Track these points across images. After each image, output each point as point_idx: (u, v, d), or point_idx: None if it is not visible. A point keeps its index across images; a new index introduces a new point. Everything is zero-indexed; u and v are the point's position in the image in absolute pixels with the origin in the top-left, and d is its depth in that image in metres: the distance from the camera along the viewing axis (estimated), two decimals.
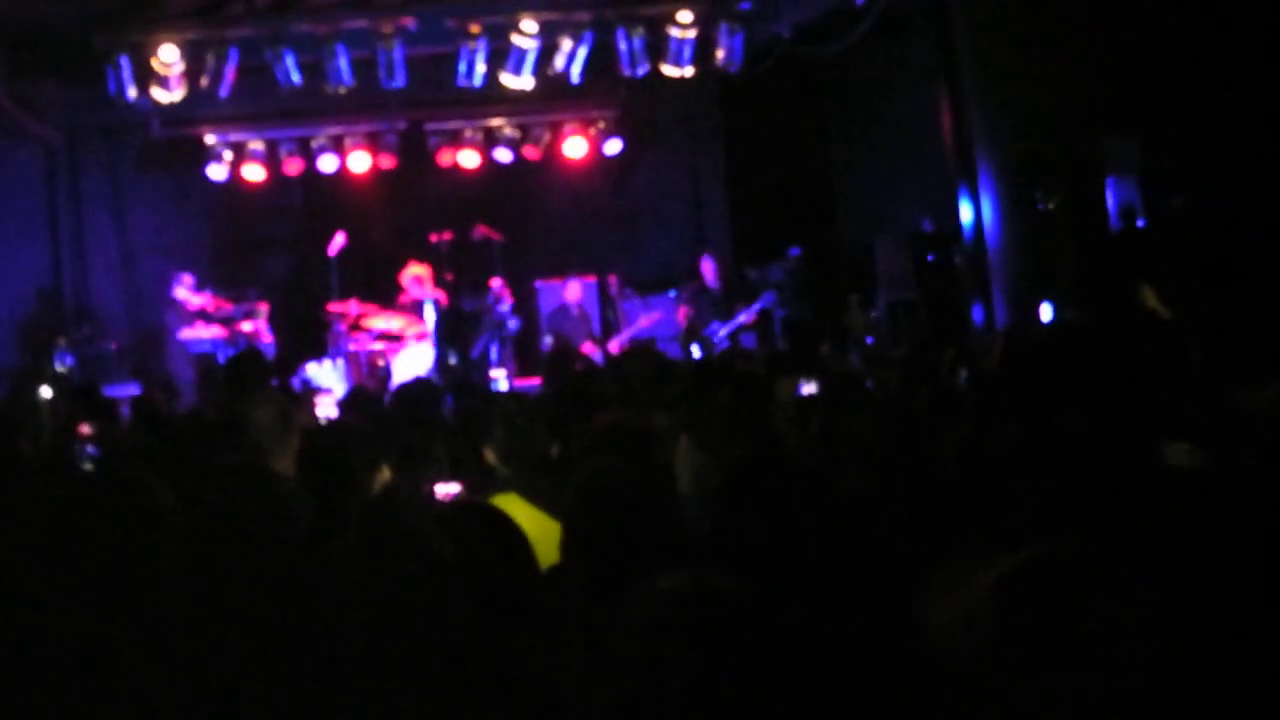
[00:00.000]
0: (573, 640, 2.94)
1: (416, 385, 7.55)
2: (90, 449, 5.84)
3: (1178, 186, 9.33)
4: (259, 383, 7.55)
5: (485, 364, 12.50)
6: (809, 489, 3.37)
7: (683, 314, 12.97)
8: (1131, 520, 2.77)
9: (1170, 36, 9.32)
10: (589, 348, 12.61)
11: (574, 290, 13.33)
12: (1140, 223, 9.63)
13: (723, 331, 12.63)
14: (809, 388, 6.63)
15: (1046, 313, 10.13)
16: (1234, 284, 8.72)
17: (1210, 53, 8.98)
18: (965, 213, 11.41)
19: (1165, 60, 9.38)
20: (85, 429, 6.21)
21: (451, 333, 12.47)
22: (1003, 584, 2.15)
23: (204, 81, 12.19)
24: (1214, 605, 2.09)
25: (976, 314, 11.26)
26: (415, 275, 12.87)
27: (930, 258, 11.95)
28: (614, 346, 12.73)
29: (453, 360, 12.19)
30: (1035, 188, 10.56)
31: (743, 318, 12.74)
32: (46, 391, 9.64)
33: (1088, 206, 9.87)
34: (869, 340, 12.09)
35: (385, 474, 4.74)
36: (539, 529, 3.97)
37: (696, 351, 12.23)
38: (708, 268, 13.16)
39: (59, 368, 12.22)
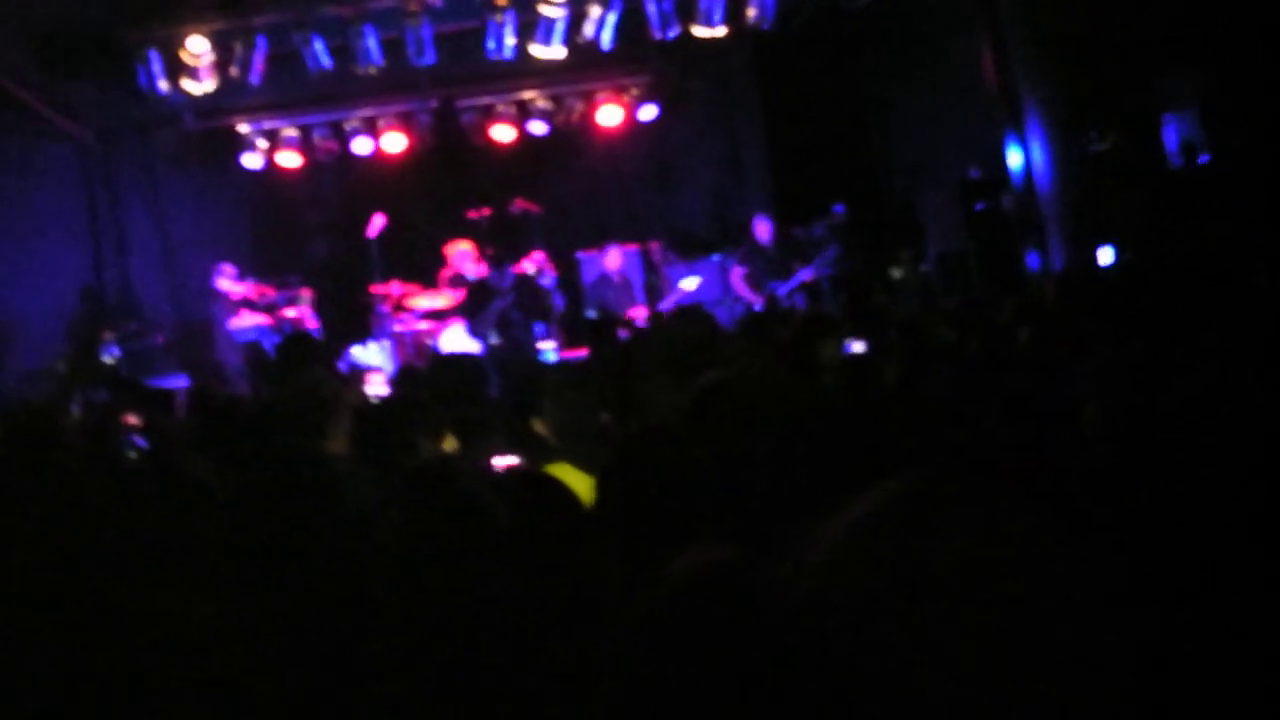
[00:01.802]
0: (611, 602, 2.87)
1: (457, 359, 7.50)
2: (136, 439, 5.79)
3: (1241, 120, 9.00)
4: (308, 366, 7.52)
5: (530, 337, 12.41)
6: (857, 446, 3.26)
7: (737, 274, 12.80)
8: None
9: None
10: (633, 315, 12.49)
11: (614, 258, 13.19)
12: (1203, 159, 9.30)
13: (784, 290, 12.46)
14: (857, 346, 6.54)
15: (1106, 256, 9.86)
16: None
17: None
18: (1014, 158, 11.17)
19: None
20: (130, 419, 6.15)
21: (489, 308, 12.37)
22: (852, 528, 2.02)
23: (234, 71, 12.13)
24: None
25: (1031, 261, 11.02)
26: (461, 250, 12.82)
27: (979, 206, 11.71)
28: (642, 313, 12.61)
29: (494, 338, 12.10)
30: (1087, 128, 10.26)
31: (803, 276, 12.56)
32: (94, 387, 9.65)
33: (1144, 145, 9.56)
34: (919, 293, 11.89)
35: (450, 443, 4.76)
36: (592, 495, 3.94)
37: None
38: (762, 228, 12.97)
39: (106, 361, 12.26)
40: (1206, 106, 9.23)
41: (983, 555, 1.71)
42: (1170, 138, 9.43)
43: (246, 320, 12.81)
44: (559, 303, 12.86)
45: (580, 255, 14.14)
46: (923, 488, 1.69)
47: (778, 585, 2.17)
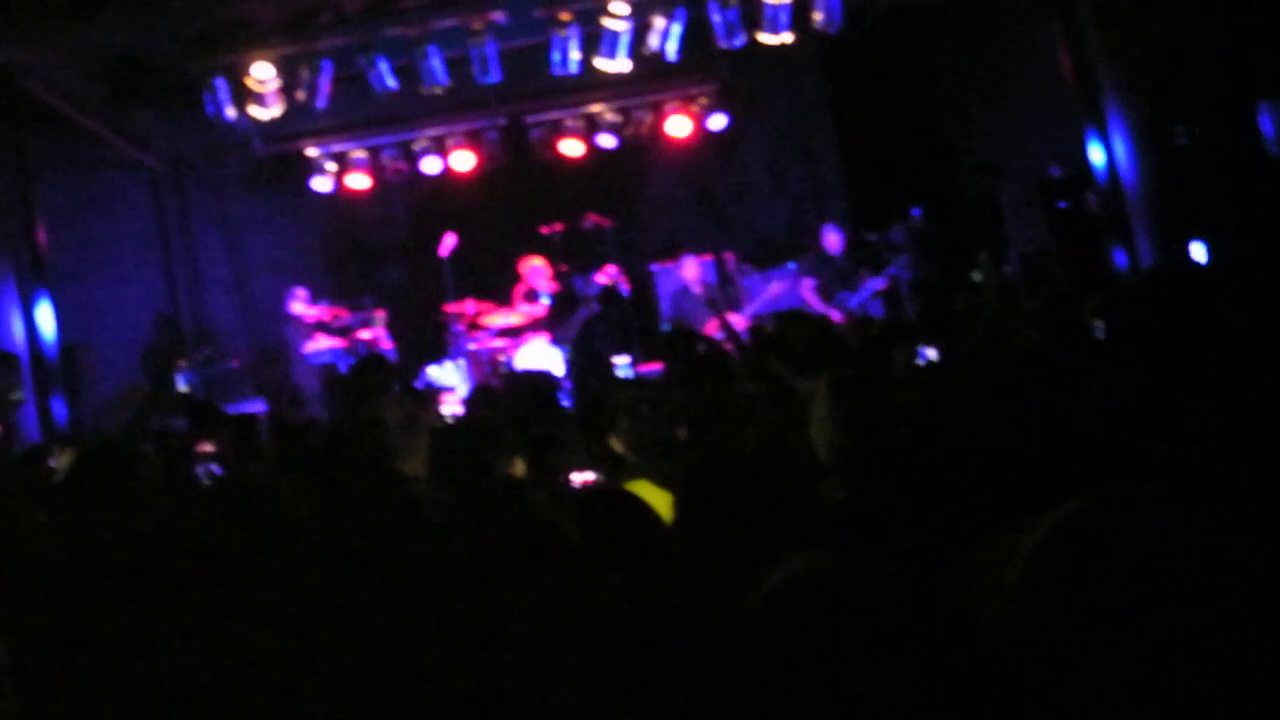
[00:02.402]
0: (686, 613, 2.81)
1: (530, 377, 7.44)
2: (212, 467, 5.75)
3: None
4: (384, 387, 7.50)
5: (610, 350, 12.32)
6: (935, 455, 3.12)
7: (807, 285, 12.61)
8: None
9: None
10: (715, 325, 12.34)
11: (691, 268, 13.05)
12: None
13: (854, 301, 12.26)
14: (931, 352, 6.38)
15: (1199, 253, 9.51)
16: None
17: None
18: (1096, 154, 10.87)
19: None
20: (206, 447, 6.12)
21: (574, 317, 12.30)
22: (1035, 552, 1.97)
23: (300, 95, 12.16)
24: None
25: (1119, 260, 10.70)
26: (534, 266, 12.77)
27: (1062, 205, 11.42)
28: (739, 322, 12.43)
29: (566, 352, 12.03)
30: (1172, 120, 9.91)
31: (874, 286, 12.36)
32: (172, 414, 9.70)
33: (1238, 135, 9.19)
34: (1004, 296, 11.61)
35: (519, 466, 4.71)
36: (671, 511, 3.86)
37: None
38: (832, 238, 12.78)
39: (182, 388, 12.34)
40: None
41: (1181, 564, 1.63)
42: (1267, 126, 9.06)
43: (321, 343, 12.85)
44: (621, 315, 12.78)
45: (654, 268, 14.03)
46: (1105, 505, 1.60)
47: (961, 602, 2.07)
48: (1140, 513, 1.72)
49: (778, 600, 2.08)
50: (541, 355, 12.13)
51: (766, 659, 1.99)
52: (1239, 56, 9.24)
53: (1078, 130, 11.01)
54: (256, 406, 11.42)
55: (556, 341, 12.16)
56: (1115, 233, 10.78)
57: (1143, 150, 10.44)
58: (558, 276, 12.80)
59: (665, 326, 12.54)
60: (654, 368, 11.24)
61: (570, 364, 11.85)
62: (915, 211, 12.63)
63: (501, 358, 12.37)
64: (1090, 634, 1.64)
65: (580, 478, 5.02)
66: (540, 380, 7.44)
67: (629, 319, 12.65)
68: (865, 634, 1.99)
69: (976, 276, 12.15)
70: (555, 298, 12.51)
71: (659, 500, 3.98)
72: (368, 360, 10.61)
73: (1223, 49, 9.37)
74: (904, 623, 2.05)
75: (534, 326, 12.59)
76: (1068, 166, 11.44)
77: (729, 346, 8.97)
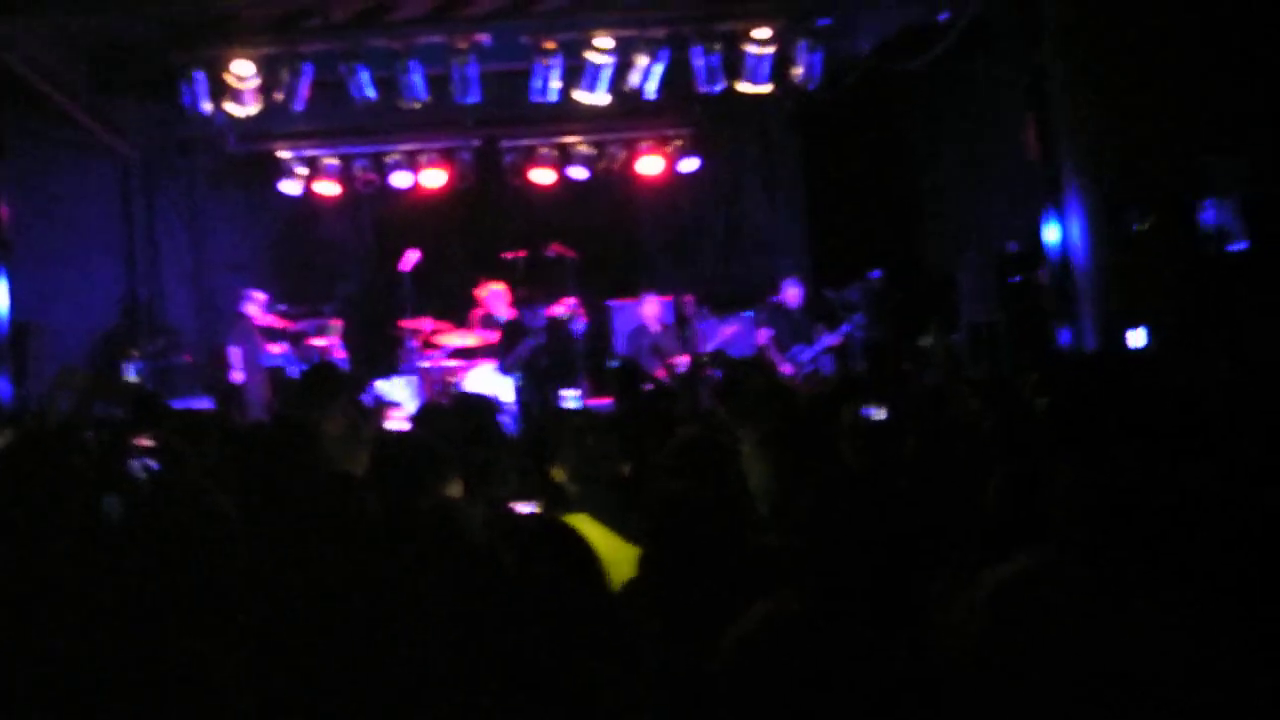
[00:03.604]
0: (646, 658, 2.88)
1: (473, 400, 7.46)
2: (148, 461, 5.72)
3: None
4: (332, 396, 7.50)
5: (555, 381, 12.37)
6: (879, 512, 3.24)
7: (764, 335, 12.77)
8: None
9: (1273, 51, 8.96)
10: (673, 362, 12.45)
11: (652, 307, 13.17)
12: (1240, 245, 9.23)
13: (807, 355, 12.42)
14: (878, 413, 6.47)
15: (1138, 339, 9.76)
16: None
17: None
18: (1052, 234, 11.10)
19: (1268, 75, 9.02)
20: (144, 441, 6.09)
21: (519, 347, 12.34)
22: (999, 590, 2.15)
23: (278, 96, 12.18)
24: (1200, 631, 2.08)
25: (1063, 338, 10.92)
26: (494, 291, 12.82)
27: (1015, 279, 11.63)
28: (683, 362, 12.56)
29: (518, 379, 12.07)
30: (1128, 208, 10.19)
31: (827, 341, 12.53)
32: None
33: (1184, 228, 9.49)
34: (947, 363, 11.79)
35: (456, 488, 4.70)
36: (610, 549, 3.93)
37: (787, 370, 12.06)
38: (792, 292, 12.94)
39: (131, 378, 12.27)
40: (1246, 193, 9.18)
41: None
42: (1209, 222, 9.36)
43: (272, 347, 12.82)
44: (578, 348, 12.85)
45: (612, 303, 14.11)
46: (1050, 567, 1.75)
47: (912, 646, 2.21)
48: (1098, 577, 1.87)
49: (751, 646, 2.17)
50: (491, 381, 12.17)
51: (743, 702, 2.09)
52: (1190, 154, 9.54)
53: (1037, 209, 11.23)
54: (202, 404, 11.38)
55: (503, 369, 12.21)
56: (1062, 311, 11.00)
57: (1096, 234, 10.68)
58: (516, 304, 12.86)
59: (614, 363, 12.63)
60: (604, 401, 11.32)
61: (519, 391, 11.90)
62: (875, 273, 12.82)
63: (452, 378, 12.40)
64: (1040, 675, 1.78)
65: (521, 506, 5.05)
66: (482, 403, 7.48)
67: (572, 352, 12.73)
68: (831, 677, 2.10)
69: (924, 342, 12.34)
70: (504, 327, 12.53)
71: (597, 536, 4.04)
72: (319, 367, 10.60)
73: (1176, 146, 9.68)
74: (863, 666, 2.17)
75: (485, 352, 12.63)
76: (1024, 243, 11.66)
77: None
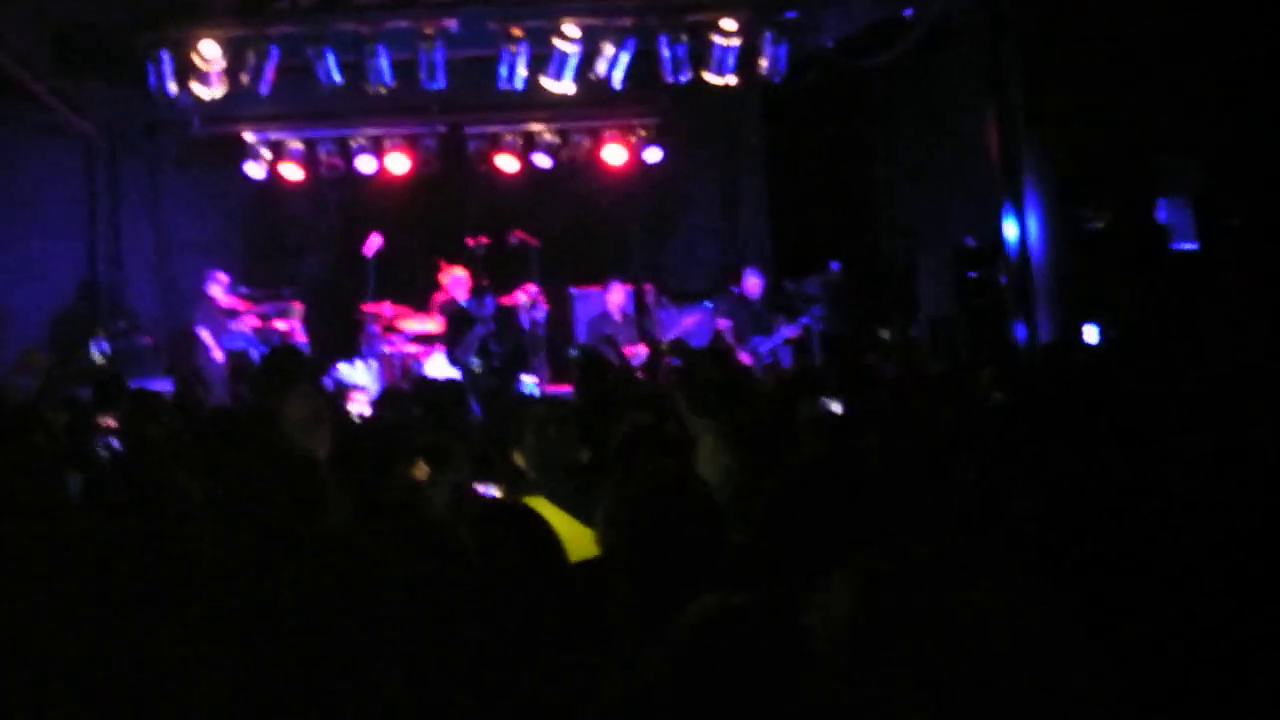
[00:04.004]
0: (609, 640, 2.91)
1: (441, 386, 7.51)
2: (112, 441, 5.77)
3: (1236, 207, 9.14)
4: (293, 379, 7.52)
5: (510, 368, 12.42)
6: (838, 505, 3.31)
7: (723, 326, 12.86)
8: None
9: (1227, 53, 9.13)
10: (631, 351, 12.53)
11: (617, 294, 13.23)
12: (1194, 245, 9.43)
13: (766, 347, 12.52)
14: (835, 405, 6.56)
15: (1091, 335, 9.93)
16: None
17: (1273, 70, 8.78)
18: (1010, 230, 11.24)
19: (1222, 76, 9.19)
20: (109, 422, 6.14)
21: (469, 337, 12.37)
22: (861, 586, 2.23)
23: (244, 79, 12.16)
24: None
25: (1019, 333, 11.08)
26: (456, 277, 12.85)
27: (972, 274, 11.77)
28: (639, 352, 12.63)
29: (476, 363, 12.10)
30: (1083, 206, 10.38)
31: (786, 333, 12.63)
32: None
33: (1138, 226, 9.69)
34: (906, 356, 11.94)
35: (421, 471, 4.76)
36: (567, 532, 3.96)
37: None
38: (752, 282, 13.03)
39: (94, 359, 12.25)
40: (1198, 192, 9.37)
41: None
42: (1162, 220, 9.55)
43: (234, 329, 12.82)
44: (536, 335, 12.91)
45: (574, 291, 14.17)
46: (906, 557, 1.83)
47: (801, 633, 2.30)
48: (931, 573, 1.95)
49: (691, 639, 2.24)
50: (446, 368, 12.21)
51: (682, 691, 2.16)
52: (1144, 153, 9.73)
53: (995, 205, 11.37)
54: (164, 385, 11.38)
55: (451, 360, 12.23)
56: (1018, 306, 11.15)
57: (1053, 231, 10.85)
58: (476, 290, 12.88)
59: (573, 352, 12.69)
60: (564, 388, 11.38)
61: (476, 378, 11.92)
62: (834, 265, 12.94)
63: (413, 363, 12.43)
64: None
65: (483, 489, 5.12)
66: (444, 388, 7.53)
67: (523, 338, 12.79)
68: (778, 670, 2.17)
69: (884, 335, 12.47)
70: (450, 318, 12.54)
71: (556, 519, 4.11)
72: (281, 350, 10.61)
73: (1131, 146, 9.86)
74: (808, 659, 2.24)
75: (439, 339, 12.67)
76: (982, 238, 11.81)
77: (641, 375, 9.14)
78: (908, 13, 12.04)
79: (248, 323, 13.00)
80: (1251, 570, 2.93)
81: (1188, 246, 9.43)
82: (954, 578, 2.13)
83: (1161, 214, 9.50)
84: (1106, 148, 10.18)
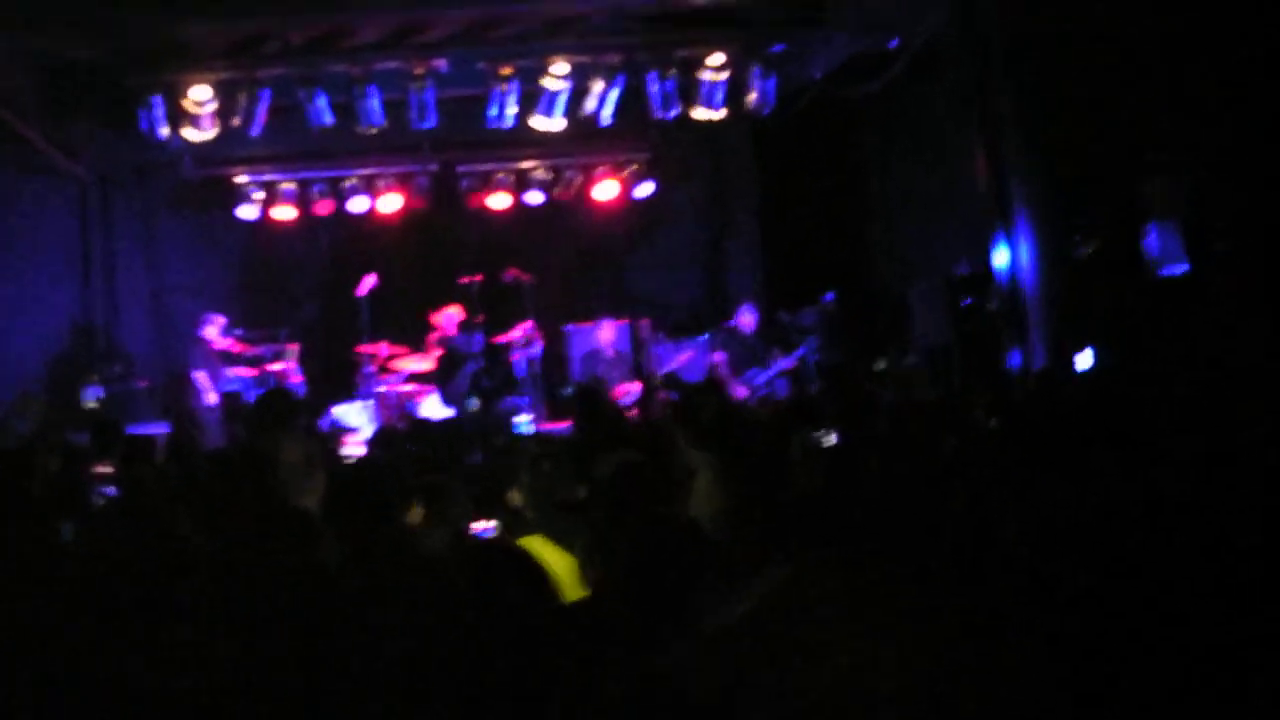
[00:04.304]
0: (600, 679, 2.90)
1: (433, 425, 7.52)
2: (106, 489, 5.76)
3: (1223, 231, 9.19)
4: (286, 422, 7.52)
5: (502, 406, 12.43)
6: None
7: (718, 359, 12.89)
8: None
9: (1214, 78, 9.19)
10: (624, 389, 12.54)
11: (607, 333, 13.26)
12: (1183, 268, 9.47)
13: (761, 379, 12.55)
14: (829, 437, 6.58)
15: (1085, 359, 9.95)
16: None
17: (1257, 93, 8.84)
18: (1001, 257, 11.29)
19: (1209, 101, 9.25)
20: (102, 468, 6.13)
21: (460, 375, 12.37)
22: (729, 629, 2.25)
23: (236, 121, 12.21)
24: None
25: (1012, 359, 11.10)
26: (450, 315, 12.86)
27: (966, 302, 11.80)
28: (633, 389, 12.66)
29: (472, 402, 12.12)
30: (1073, 231, 10.43)
31: (781, 365, 12.66)
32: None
33: (1128, 251, 9.73)
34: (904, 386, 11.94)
35: (416, 513, 4.76)
36: (565, 570, 3.97)
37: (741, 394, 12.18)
38: (746, 318, 13.07)
39: (89, 403, 12.23)
40: (1186, 216, 9.42)
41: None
42: (1152, 245, 9.59)
43: (230, 372, 12.81)
44: (522, 371, 12.92)
45: (568, 328, 14.20)
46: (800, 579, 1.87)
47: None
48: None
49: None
50: (440, 407, 12.22)
51: None
52: (1132, 179, 9.78)
53: (986, 233, 11.41)
54: (160, 429, 11.37)
55: (446, 400, 12.23)
56: (1012, 333, 11.18)
57: (1044, 258, 10.89)
58: (464, 325, 12.90)
59: (567, 390, 12.70)
60: (558, 425, 11.39)
61: (466, 418, 11.93)
62: (828, 296, 12.97)
63: (409, 403, 12.44)
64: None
65: (480, 528, 5.11)
66: (443, 429, 7.55)
67: (514, 374, 12.81)
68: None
69: (880, 365, 12.49)
70: (440, 358, 12.53)
71: (554, 557, 4.12)
72: (273, 393, 10.60)
73: (1119, 172, 9.92)
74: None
75: (432, 377, 12.68)
76: (975, 266, 11.84)
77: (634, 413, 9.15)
78: (893, 43, 12.12)
79: (243, 365, 12.99)
80: (1242, 597, 2.94)
81: (1177, 270, 9.46)
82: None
83: (1151, 239, 9.54)
84: (1095, 174, 10.23)
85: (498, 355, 12.76)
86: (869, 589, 2.10)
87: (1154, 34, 9.52)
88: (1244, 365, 7.11)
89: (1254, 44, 8.75)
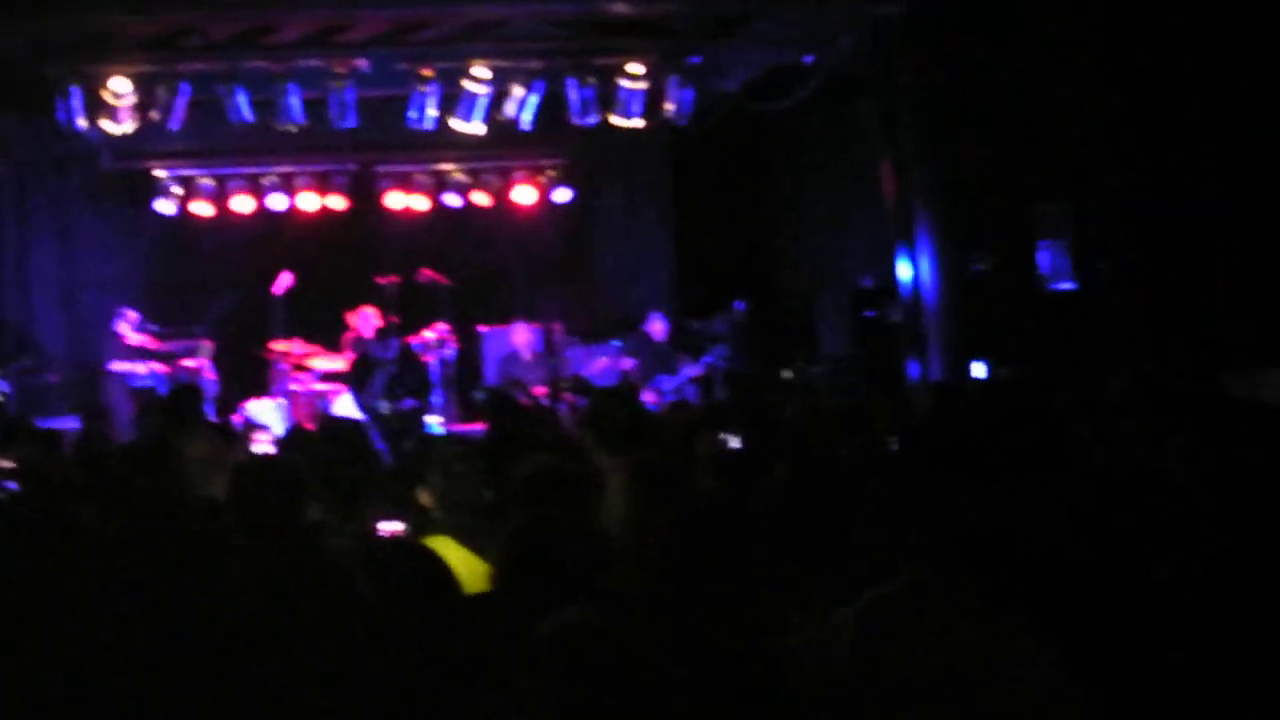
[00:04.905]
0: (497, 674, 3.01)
1: (341, 424, 7.56)
2: (9, 484, 5.74)
3: (1106, 250, 9.63)
4: (194, 418, 7.55)
5: (415, 408, 12.46)
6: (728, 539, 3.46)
7: (628, 365, 13.06)
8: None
9: (1101, 111, 9.65)
10: (540, 392, 12.64)
11: (522, 335, 13.37)
12: (1071, 285, 9.90)
13: (670, 385, 12.74)
14: (734, 441, 6.68)
15: (979, 370, 10.32)
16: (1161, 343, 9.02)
17: (1139, 127, 9.29)
18: (904, 271, 11.59)
19: (1097, 132, 9.69)
20: (6, 463, 6.10)
21: (374, 380, 12.40)
22: (861, 617, 2.34)
23: (154, 115, 12.13)
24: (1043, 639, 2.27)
25: (912, 370, 11.42)
26: (365, 315, 12.90)
27: (869, 314, 12.11)
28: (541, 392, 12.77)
29: (383, 405, 12.13)
30: (970, 248, 10.81)
31: (690, 372, 12.87)
32: None
33: (1020, 268, 10.15)
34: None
35: (319, 511, 4.81)
36: (470, 570, 4.06)
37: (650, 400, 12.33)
38: (657, 325, 13.26)
39: None
40: (1074, 235, 9.83)
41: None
42: (1043, 263, 10.01)
43: (142, 367, 12.75)
44: (436, 373, 12.98)
45: (483, 330, 14.26)
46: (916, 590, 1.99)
47: (796, 653, 2.42)
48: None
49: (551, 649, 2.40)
50: (352, 409, 12.23)
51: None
52: (1025, 202, 10.20)
53: (891, 247, 11.72)
54: (70, 423, 11.30)
55: (360, 406, 12.23)
56: (912, 345, 11.50)
57: (944, 273, 11.24)
58: (385, 329, 12.95)
59: (479, 395, 12.76)
60: (470, 427, 11.48)
61: (377, 420, 11.92)
62: (739, 305, 13.21)
63: (321, 401, 12.45)
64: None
65: (387, 527, 5.19)
66: (350, 428, 7.59)
67: (428, 377, 12.86)
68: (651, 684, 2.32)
69: (786, 374, 12.74)
70: (355, 363, 12.55)
71: (459, 558, 4.22)
72: (181, 389, 10.58)
73: (1013, 193, 10.33)
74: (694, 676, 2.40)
75: (344, 380, 12.70)
76: (878, 279, 12.15)
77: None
78: (808, 59, 12.39)
79: (156, 361, 12.93)
80: (1136, 600, 3.11)
81: (1066, 287, 9.90)
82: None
83: (1042, 256, 9.95)
84: (992, 196, 10.65)
85: (412, 360, 12.79)
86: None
87: (1048, 70, 9.95)
88: (1125, 375, 7.43)
89: (1135, 85, 9.19)
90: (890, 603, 2.57)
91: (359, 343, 12.79)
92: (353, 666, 2.92)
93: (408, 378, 12.52)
